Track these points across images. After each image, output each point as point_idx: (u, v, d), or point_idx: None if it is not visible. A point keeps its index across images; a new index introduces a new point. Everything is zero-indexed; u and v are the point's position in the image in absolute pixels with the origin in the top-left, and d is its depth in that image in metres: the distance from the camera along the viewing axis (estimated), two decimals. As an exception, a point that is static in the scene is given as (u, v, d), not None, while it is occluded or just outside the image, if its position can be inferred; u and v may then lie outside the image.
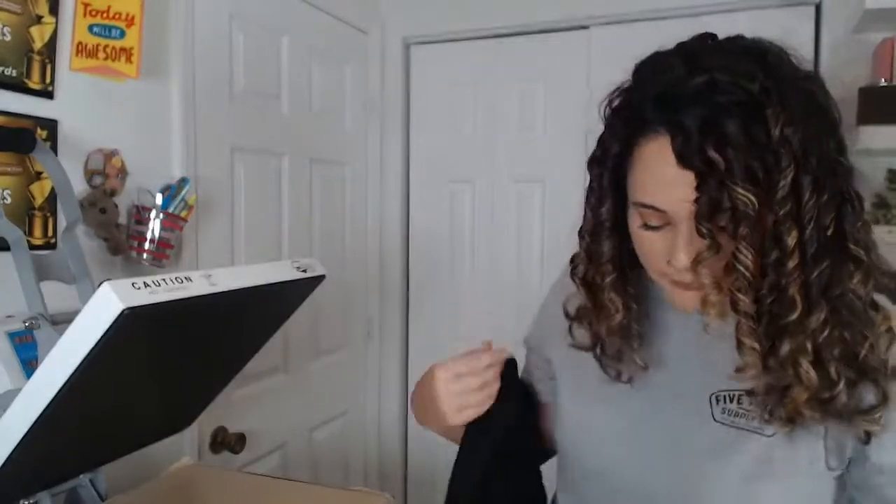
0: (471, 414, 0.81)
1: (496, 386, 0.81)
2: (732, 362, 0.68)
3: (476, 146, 2.14)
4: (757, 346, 0.65)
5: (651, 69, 0.68)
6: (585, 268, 0.77)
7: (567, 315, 0.83)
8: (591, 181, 0.74)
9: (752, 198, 0.59)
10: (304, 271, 0.94)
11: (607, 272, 0.75)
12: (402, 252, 2.25)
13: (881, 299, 0.69)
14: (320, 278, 0.97)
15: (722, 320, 0.66)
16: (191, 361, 0.95)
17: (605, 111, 0.72)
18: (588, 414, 0.83)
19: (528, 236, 2.09)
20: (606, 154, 0.71)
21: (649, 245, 0.69)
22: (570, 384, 0.86)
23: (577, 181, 2.00)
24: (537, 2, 2.00)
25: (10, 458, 0.75)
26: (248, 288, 0.82)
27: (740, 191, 0.59)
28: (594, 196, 0.74)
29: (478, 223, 2.16)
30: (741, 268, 0.62)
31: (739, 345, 0.65)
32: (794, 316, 0.63)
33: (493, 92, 2.10)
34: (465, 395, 0.80)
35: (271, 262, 0.91)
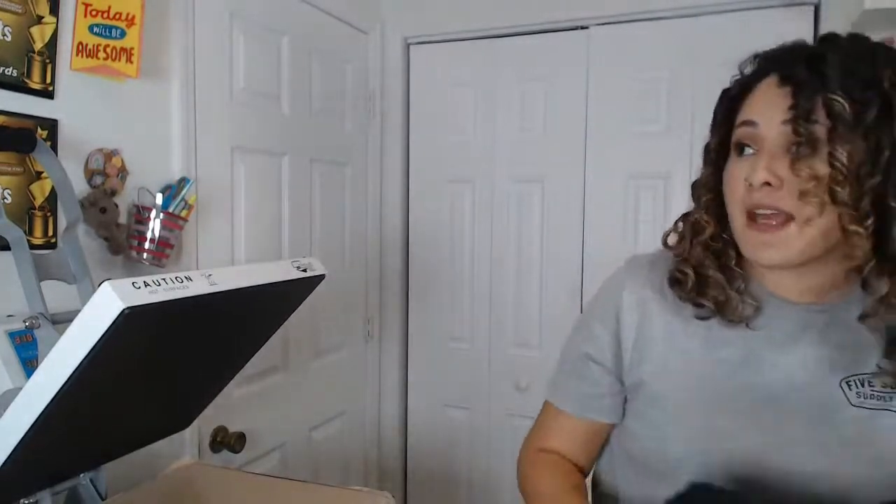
0: None
1: None
2: (852, 347, 0.76)
3: (476, 146, 2.14)
4: (864, 234, 0.68)
5: (773, 50, 0.78)
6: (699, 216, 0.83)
7: (677, 280, 0.82)
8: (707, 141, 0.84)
9: (846, 103, 0.65)
10: (304, 271, 0.94)
11: (707, 196, 0.82)
12: (401, 252, 2.25)
13: None
14: (320, 277, 0.98)
15: (789, 261, 0.73)
16: (191, 361, 0.95)
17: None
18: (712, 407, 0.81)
19: (527, 236, 2.09)
20: (724, 97, 0.81)
21: (737, 173, 0.75)
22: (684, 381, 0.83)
23: (577, 181, 2.01)
24: (537, 2, 2.00)
25: (11, 458, 0.75)
26: (249, 288, 0.82)
27: (835, 96, 0.65)
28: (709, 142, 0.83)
29: (478, 223, 2.16)
30: (838, 164, 0.66)
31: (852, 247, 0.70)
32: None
33: (493, 92, 2.10)
34: None
35: (271, 262, 0.91)
